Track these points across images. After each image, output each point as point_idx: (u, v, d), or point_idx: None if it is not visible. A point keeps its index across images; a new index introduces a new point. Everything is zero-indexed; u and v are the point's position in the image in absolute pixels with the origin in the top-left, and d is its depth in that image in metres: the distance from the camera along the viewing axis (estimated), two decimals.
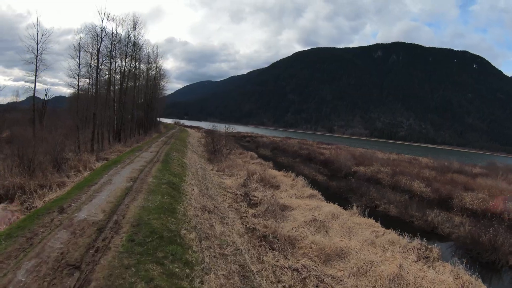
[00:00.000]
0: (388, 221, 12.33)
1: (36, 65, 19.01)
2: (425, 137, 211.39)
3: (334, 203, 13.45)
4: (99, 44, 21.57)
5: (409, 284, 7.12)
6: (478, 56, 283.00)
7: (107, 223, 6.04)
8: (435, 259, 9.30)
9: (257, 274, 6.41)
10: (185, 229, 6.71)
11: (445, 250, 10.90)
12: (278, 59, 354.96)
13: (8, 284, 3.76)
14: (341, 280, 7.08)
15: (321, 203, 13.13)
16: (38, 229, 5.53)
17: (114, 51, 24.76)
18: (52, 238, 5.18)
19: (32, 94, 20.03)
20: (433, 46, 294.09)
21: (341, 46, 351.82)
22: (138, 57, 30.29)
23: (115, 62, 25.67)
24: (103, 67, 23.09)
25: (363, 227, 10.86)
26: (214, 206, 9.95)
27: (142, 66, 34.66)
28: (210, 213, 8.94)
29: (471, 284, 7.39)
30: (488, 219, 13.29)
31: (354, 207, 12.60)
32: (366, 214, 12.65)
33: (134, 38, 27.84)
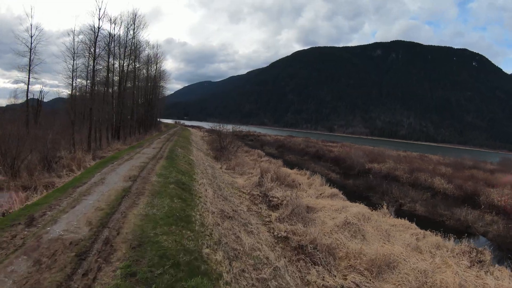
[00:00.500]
0: (417, 221, 11.13)
1: (30, 58, 17.88)
2: (425, 136, 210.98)
3: (359, 203, 12.21)
4: (96, 35, 20.25)
5: None
6: (478, 54, 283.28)
7: (93, 243, 4.10)
8: (489, 263, 8.17)
9: None
10: (207, 246, 4.97)
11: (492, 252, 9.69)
12: (277, 59, 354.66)
13: None
14: None
15: (346, 203, 11.88)
16: None
17: (112, 45, 23.44)
18: (1, 273, 3.24)
19: (26, 90, 18.81)
20: (433, 44, 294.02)
21: (340, 45, 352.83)
22: (138, 54, 29.04)
23: (113, 59, 24.40)
24: (99, 67, 21.89)
25: (399, 229, 9.63)
26: (233, 210, 8.42)
27: (142, 66, 33.63)
28: (231, 220, 7.33)
29: None
30: None
31: (385, 207, 11.36)
32: (393, 214, 11.56)
33: (133, 37, 26.60)
